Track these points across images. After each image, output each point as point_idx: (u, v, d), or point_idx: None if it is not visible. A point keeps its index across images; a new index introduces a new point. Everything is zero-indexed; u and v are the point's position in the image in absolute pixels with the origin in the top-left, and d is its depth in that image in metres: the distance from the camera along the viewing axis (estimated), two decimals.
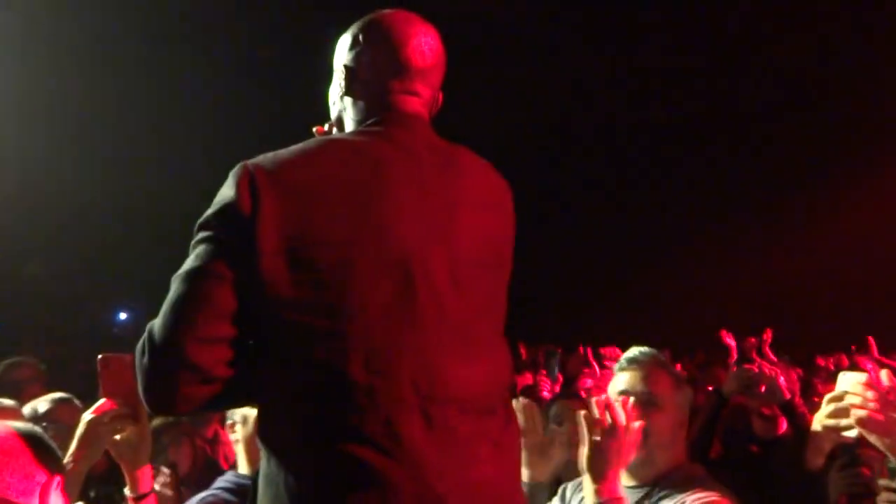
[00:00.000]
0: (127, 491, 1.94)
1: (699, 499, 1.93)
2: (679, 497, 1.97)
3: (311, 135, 1.61)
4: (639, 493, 2.05)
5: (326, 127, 1.69)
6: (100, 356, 1.92)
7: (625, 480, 2.04)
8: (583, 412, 1.94)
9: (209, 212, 1.39)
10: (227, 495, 2.28)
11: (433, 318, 1.39)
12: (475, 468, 1.37)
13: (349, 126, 1.58)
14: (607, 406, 1.90)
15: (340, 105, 1.60)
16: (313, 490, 1.29)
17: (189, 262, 1.37)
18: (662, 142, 11.65)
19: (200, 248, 1.36)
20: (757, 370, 3.45)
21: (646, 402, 2.03)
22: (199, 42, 9.15)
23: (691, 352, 7.72)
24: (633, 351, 2.19)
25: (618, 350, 5.02)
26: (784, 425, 3.35)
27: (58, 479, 1.47)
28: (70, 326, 11.32)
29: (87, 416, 1.92)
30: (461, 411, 1.38)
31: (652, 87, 11.09)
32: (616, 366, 2.24)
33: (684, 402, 2.13)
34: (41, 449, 1.48)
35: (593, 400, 1.96)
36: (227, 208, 1.35)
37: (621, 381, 2.14)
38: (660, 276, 11.65)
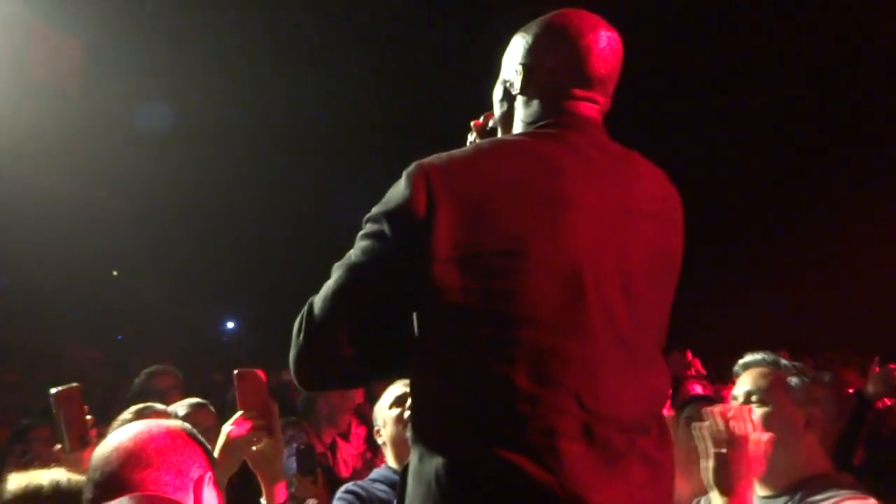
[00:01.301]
0: (263, 501, 1.98)
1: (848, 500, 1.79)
2: (825, 499, 1.83)
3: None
4: (776, 502, 1.93)
5: (482, 119, 1.68)
6: (235, 371, 1.97)
7: (759, 490, 1.92)
8: (704, 423, 1.84)
9: (381, 208, 1.39)
10: (380, 486, 2.37)
11: (602, 329, 1.34)
12: (632, 489, 1.32)
13: (517, 125, 1.54)
14: (732, 416, 1.80)
15: (508, 103, 1.56)
16: (466, 492, 1.28)
17: (354, 254, 1.39)
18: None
19: (367, 243, 1.38)
20: None
21: (757, 403, 1.93)
22: (319, 57, 9.45)
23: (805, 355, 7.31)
24: (747, 356, 2.09)
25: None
26: None
27: (209, 473, 1.49)
28: (181, 337, 11.88)
29: (226, 427, 1.97)
30: (620, 429, 1.33)
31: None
32: (735, 372, 2.15)
33: (804, 400, 1.95)
34: (193, 445, 1.50)
35: (716, 410, 1.84)
36: (400, 208, 1.35)
37: (737, 386, 2.04)
38: (772, 281, 11.16)
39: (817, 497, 1.82)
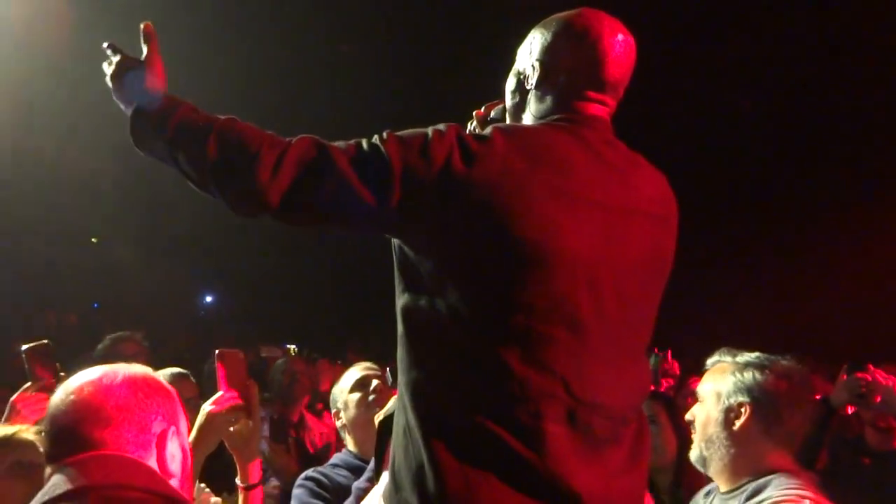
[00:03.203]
0: (238, 480, 1.99)
1: (782, 489, 1.81)
2: (764, 500, 1.83)
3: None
4: (731, 501, 1.94)
5: (484, 109, 1.72)
6: (217, 351, 1.99)
7: (721, 486, 1.98)
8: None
9: (457, 131, 1.40)
10: (341, 471, 2.39)
11: (593, 322, 1.39)
12: (610, 475, 1.38)
13: (528, 118, 1.59)
14: None
15: (521, 96, 1.60)
16: (453, 463, 1.31)
17: (383, 151, 1.37)
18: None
19: (425, 140, 1.37)
20: (870, 379, 3.22)
21: (717, 403, 1.97)
22: (280, 38, 9.34)
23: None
24: (718, 352, 2.11)
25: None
26: None
27: (173, 427, 1.44)
28: (159, 308, 11.80)
29: (206, 406, 1.98)
30: (603, 417, 1.39)
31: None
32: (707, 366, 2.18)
33: (736, 389, 1.94)
34: (155, 396, 1.43)
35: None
36: (473, 147, 1.37)
37: (701, 383, 2.10)
38: (745, 280, 11.26)
39: (757, 498, 1.84)
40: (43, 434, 1.40)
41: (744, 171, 11.20)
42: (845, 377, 3.32)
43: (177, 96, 1.50)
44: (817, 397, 3.81)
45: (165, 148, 1.44)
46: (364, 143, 1.40)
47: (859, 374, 3.25)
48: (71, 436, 1.32)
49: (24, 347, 2.22)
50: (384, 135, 1.39)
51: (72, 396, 1.36)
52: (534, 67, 1.55)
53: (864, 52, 9.05)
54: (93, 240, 13.88)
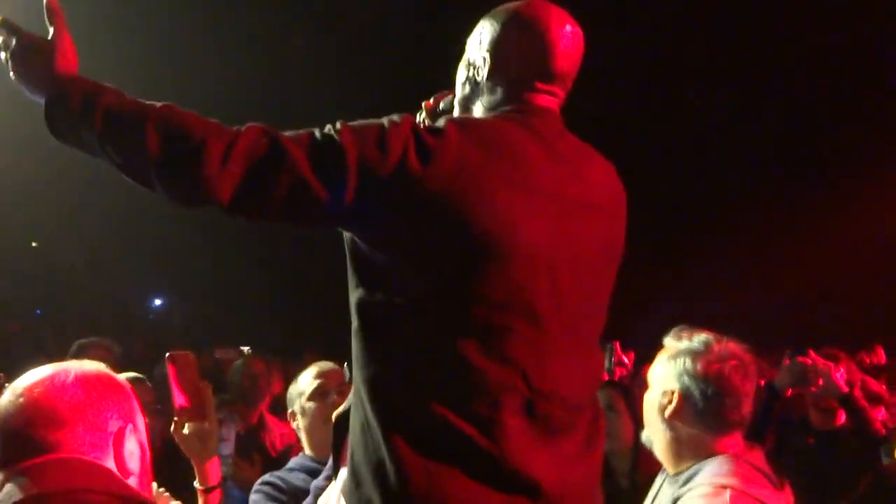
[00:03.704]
0: (196, 483, 1.96)
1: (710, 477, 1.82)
2: (689, 489, 1.85)
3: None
4: (673, 485, 1.96)
5: (433, 101, 1.70)
6: (167, 354, 1.95)
7: (668, 468, 1.99)
8: None
9: (411, 123, 1.38)
10: (298, 474, 2.37)
11: (551, 313, 1.41)
12: (566, 462, 1.41)
13: (478, 109, 1.58)
14: None
15: (471, 87, 1.59)
16: (414, 456, 1.32)
17: (337, 141, 1.34)
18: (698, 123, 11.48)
19: (380, 131, 1.35)
20: (810, 363, 3.36)
21: (665, 388, 1.96)
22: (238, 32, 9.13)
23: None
24: (670, 334, 2.14)
25: None
26: (842, 417, 3.27)
27: (130, 425, 1.37)
28: (105, 312, 11.49)
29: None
30: (561, 408, 1.42)
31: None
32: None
33: (670, 375, 1.93)
34: (110, 394, 1.36)
35: None
36: (428, 141, 1.35)
37: (652, 366, 2.10)
38: (694, 267, 11.53)
39: (685, 487, 1.87)
40: None
41: (697, 164, 11.46)
42: (788, 362, 3.45)
43: (94, 79, 1.38)
44: (762, 382, 3.96)
45: (92, 139, 1.33)
46: (317, 134, 1.36)
47: (801, 359, 3.38)
48: (22, 439, 1.25)
49: None
50: (338, 125, 1.36)
51: (21, 399, 1.28)
52: (484, 59, 1.55)
53: (833, 49, 9.33)
54: (33, 244, 13.43)
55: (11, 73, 1.41)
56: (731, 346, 2.02)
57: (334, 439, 1.65)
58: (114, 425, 1.34)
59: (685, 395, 1.92)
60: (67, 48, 1.40)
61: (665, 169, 10.94)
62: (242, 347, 7.13)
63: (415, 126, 1.38)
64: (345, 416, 1.56)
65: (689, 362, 1.96)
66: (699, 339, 2.02)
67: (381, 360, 1.40)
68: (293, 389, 2.53)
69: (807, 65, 9.88)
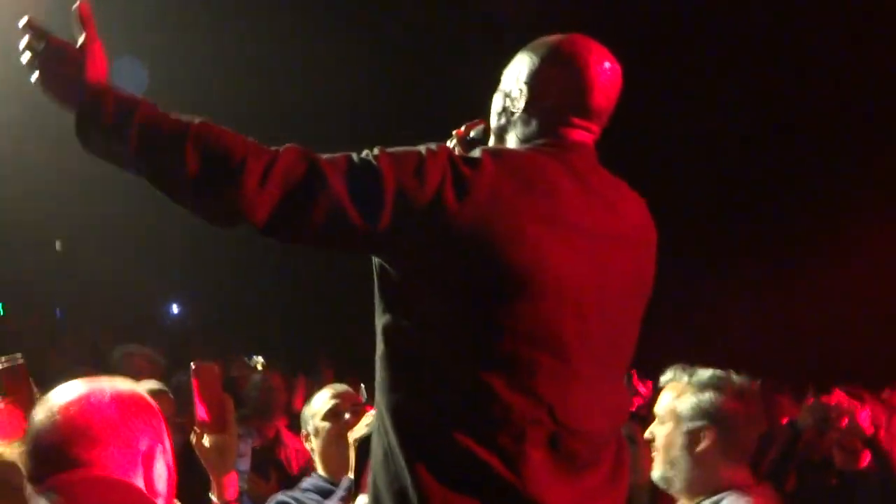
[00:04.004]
0: (213, 496, 1.96)
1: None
2: None
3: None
4: None
5: (464, 129, 1.71)
6: (192, 365, 1.96)
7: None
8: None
9: (448, 153, 1.39)
10: (311, 495, 2.36)
11: (577, 347, 1.40)
12: (590, 497, 1.41)
13: (512, 140, 1.59)
14: None
15: (506, 118, 1.60)
16: (436, 486, 1.32)
17: (376, 167, 1.34)
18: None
19: (419, 162, 1.35)
20: (835, 402, 3.31)
21: (677, 426, 2.01)
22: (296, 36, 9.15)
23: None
24: (673, 369, 2.14)
25: None
26: (866, 459, 3.22)
27: (160, 446, 1.40)
28: (126, 317, 11.57)
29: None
30: (585, 441, 1.41)
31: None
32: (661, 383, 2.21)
33: (694, 410, 1.99)
34: (142, 414, 1.39)
35: None
36: (463, 171, 1.36)
37: (659, 402, 2.11)
38: (714, 298, 11.42)
39: None
40: (25, 452, 1.35)
41: (710, 189, 11.38)
42: (811, 401, 3.40)
43: (126, 91, 1.35)
44: (784, 421, 3.90)
45: (125, 153, 1.32)
46: (355, 158, 1.36)
47: (824, 398, 3.34)
48: (57, 456, 1.28)
49: None
50: (375, 150, 1.37)
51: (57, 416, 1.31)
52: (521, 91, 1.55)
53: (843, 60, 9.28)
54: (56, 244, 13.58)
55: (36, 79, 1.37)
56: (742, 380, 2.06)
57: (356, 464, 1.65)
58: (144, 445, 1.36)
59: (718, 432, 1.95)
60: (99, 56, 1.36)
61: (687, 199, 10.88)
62: (256, 357, 7.14)
63: (451, 156, 1.38)
64: (366, 440, 1.56)
65: (716, 397, 1.97)
66: (713, 373, 2.05)
67: (407, 387, 1.40)
68: (307, 410, 2.56)
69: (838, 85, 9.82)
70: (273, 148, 1.35)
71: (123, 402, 1.37)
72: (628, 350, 1.57)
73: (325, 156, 1.36)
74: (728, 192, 11.37)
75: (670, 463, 2.00)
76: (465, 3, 8.89)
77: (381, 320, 1.44)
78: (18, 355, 2.16)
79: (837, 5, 8.63)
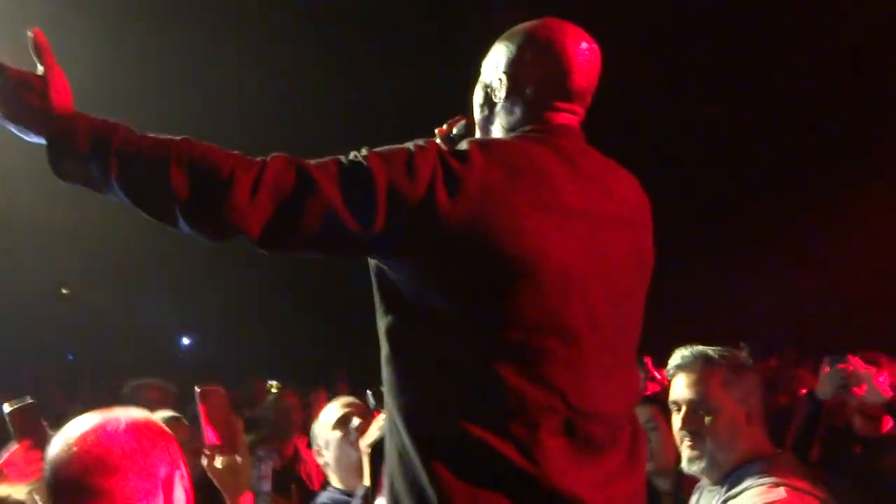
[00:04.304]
0: None
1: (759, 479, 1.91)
2: (740, 492, 1.92)
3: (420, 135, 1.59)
4: (715, 493, 2.02)
5: (446, 127, 1.70)
6: (198, 389, 1.96)
7: (705, 483, 2.07)
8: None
9: (436, 148, 1.38)
10: None
11: (586, 332, 1.40)
12: (609, 479, 1.40)
13: (497, 131, 1.59)
14: None
15: (489, 109, 1.60)
16: (455, 481, 1.31)
17: (366, 168, 1.33)
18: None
19: (411, 158, 1.34)
20: (851, 369, 3.28)
21: (696, 409, 2.02)
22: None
23: (764, 354, 7.46)
24: (678, 354, 2.13)
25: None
26: (888, 423, 3.19)
27: (178, 471, 1.42)
28: (137, 354, 11.59)
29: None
30: (600, 424, 1.41)
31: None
32: (667, 372, 2.19)
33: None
34: (159, 441, 1.40)
35: None
36: (455, 165, 1.35)
37: (672, 389, 2.12)
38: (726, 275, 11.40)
39: (736, 489, 1.92)
40: (44, 486, 1.35)
41: (718, 170, 11.38)
42: (828, 370, 3.38)
43: (92, 115, 1.33)
44: (803, 391, 3.87)
45: (104, 179, 1.29)
46: (344, 160, 1.35)
47: (841, 366, 3.31)
48: (76, 487, 1.29)
49: (6, 409, 2.15)
50: (363, 151, 1.36)
51: (74, 448, 1.32)
52: (500, 80, 1.55)
53: (835, 55, 9.28)
54: (63, 290, 13.63)
55: None
56: (742, 352, 2.18)
57: (371, 468, 1.65)
58: (163, 471, 1.37)
59: (736, 406, 2.01)
60: (61, 83, 1.33)
61: (695, 173, 10.88)
62: (270, 382, 7.14)
63: (441, 151, 1.38)
64: (380, 444, 1.56)
65: (731, 375, 2.00)
66: (715, 350, 2.09)
67: (416, 385, 1.39)
68: (316, 426, 2.56)
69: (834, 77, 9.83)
70: (259, 158, 1.33)
71: (139, 430, 1.38)
72: (635, 331, 1.56)
73: (313, 161, 1.35)
74: (739, 174, 11.36)
75: (692, 445, 2.01)
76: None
77: (383, 322, 1.43)
78: (27, 397, 2.17)
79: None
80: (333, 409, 2.54)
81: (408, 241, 1.34)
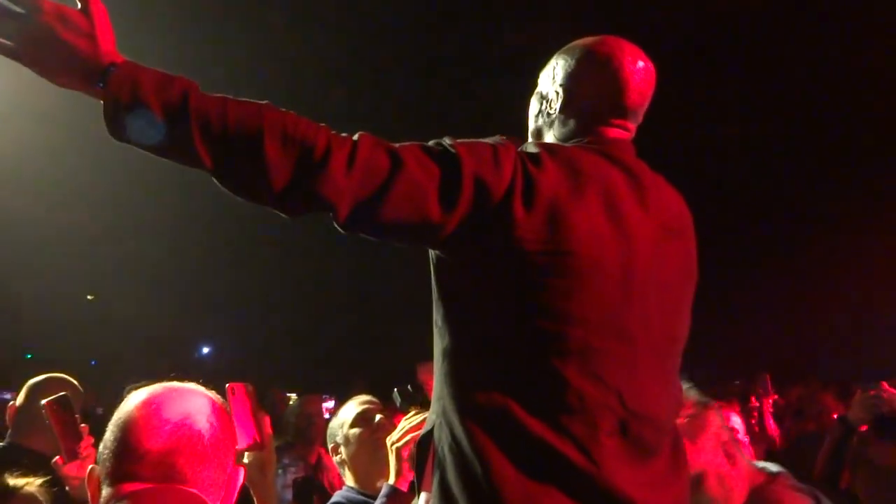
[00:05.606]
0: None
1: None
2: None
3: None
4: None
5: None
6: (228, 385, 1.97)
7: None
8: None
9: (508, 150, 1.37)
10: None
11: (641, 336, 1.41)
12: (658, 485, 1.41)
13: (549, 141, 1.61)
14: None
15: (543, 120, 1.63)
16: (512, 473, 1.31)
17: (455, 158, 1.32)
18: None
19: (494, 162, 1.34)
20: (885, 396, 3.23)
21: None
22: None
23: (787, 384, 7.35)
24: None
25: None
26: None
27: (239, 468, 1.33)
28: (157, 361, 11.69)
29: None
30: (650, 428, 1.41)
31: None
32: None
33: (714, 441, 2.03)
34: (233, 434, 1.31)
35: None
36: (529, 168, 1.36)
37: None
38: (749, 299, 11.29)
39: None
40: (107, 449, 1.22)
41: (735, 194, 11.32)
42: (859, 395, 3.33)
43: (142, 65, 1.17)
44: (834, 416, 3.80)
45: (181, 147, 1.18)
46: (432, 147, 1.35)
47: (872, 392, 3.26)
48: (161, 461, 1.18)
49: (42, 401, 2.19)
50: (447, 140, 1.37)
51: (168, 427, 1.20)
52: (557, 93, 1.59)
53: (854, 75, 9.24)
54: (88, 297, 13.81)
55: (21, 52, 1.12)
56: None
57: (417, 463, 1.63)
58: (230, 466, 1.29)
59: (726, 440, 2.05)
60: (105, 24, 1.15)
61: (726, 196, 10.84)
62: (289, 394, 7.15)
63: (518, 152, 1.40)
64: (425, 439, 1.54)
65: (695, 430, 2.05)
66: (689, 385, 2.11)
67: (475, 380, 1.40)
68: (334, 423, 2.50)
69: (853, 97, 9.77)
70: (345, 135, 1.29)
71: (226, 422, 1.29)
72: (682, 340, 1.57)
73: (395, 145, 1.33)
74: (753, 198, 11.30)
75: (723, 487, 2.03)
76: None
77: (440, 313, 1.44)
78: (63, 392, 2.21)
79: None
80: (352, 407, 2.49)
81: (481, 233, 1.35)
